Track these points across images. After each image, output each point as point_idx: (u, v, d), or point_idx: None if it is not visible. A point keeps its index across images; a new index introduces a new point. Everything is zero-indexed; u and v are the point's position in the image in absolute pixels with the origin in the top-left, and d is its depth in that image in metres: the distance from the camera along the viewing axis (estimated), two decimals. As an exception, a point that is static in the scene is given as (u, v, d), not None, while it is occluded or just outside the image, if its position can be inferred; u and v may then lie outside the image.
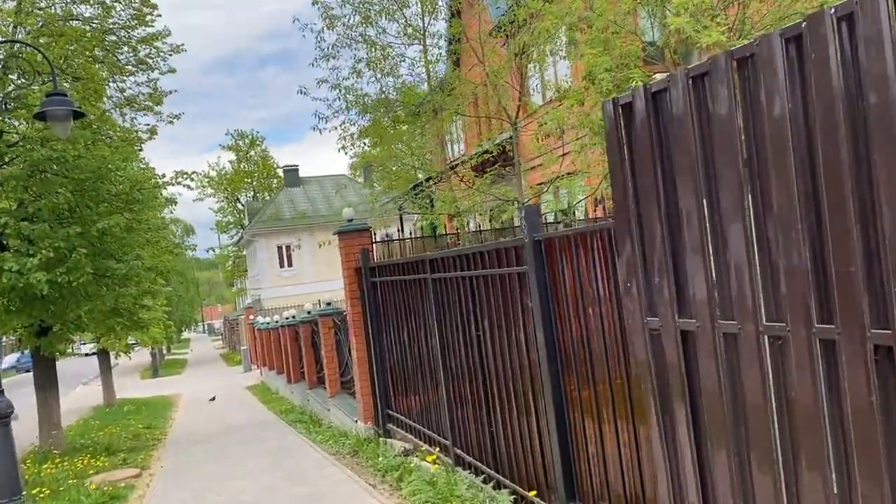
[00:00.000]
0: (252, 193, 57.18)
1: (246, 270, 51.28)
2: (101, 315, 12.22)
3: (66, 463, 10.73)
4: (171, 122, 13.93)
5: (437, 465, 7.23)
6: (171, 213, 14.06)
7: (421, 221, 21.73)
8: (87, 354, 52.73)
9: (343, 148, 12.22)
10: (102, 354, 23.31)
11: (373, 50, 10.30)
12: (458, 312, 6.44)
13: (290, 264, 41.18)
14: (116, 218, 10.87)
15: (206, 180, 55.94)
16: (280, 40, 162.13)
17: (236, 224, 56.82)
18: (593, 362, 4.32)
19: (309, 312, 15.87)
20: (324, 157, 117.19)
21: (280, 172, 53.46)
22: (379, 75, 10.42)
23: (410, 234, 12.25)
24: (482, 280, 5.80)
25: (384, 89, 10.52)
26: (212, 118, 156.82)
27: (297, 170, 45.88)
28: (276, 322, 22.07)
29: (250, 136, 56.81)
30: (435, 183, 11.84)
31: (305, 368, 15.33)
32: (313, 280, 39.38)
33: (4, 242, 10.63)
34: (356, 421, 10.26)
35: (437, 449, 7.29)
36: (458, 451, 6.80)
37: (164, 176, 12.88)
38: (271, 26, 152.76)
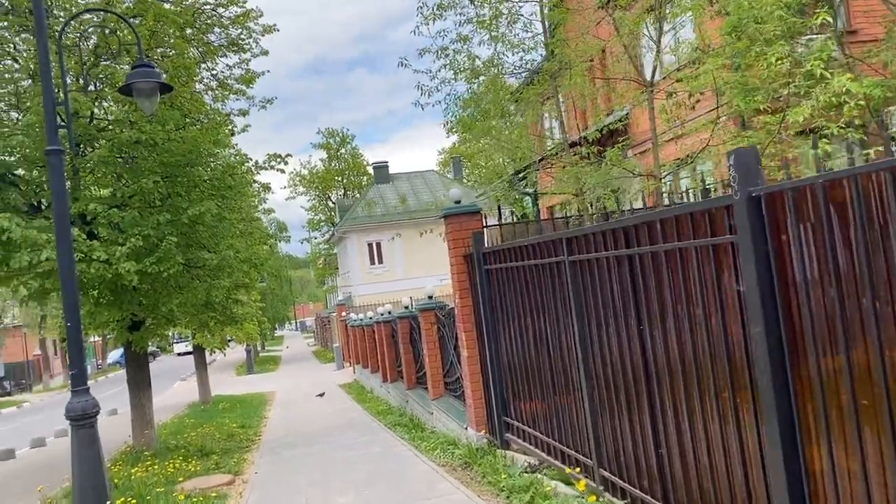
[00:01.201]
0: (342, 191, 57.37)
1: (337, 268, 51.35)
2: (194, 309, 11.60)
3: (156, 466, 10.08)
4: (263, 108, 13.22)
5: (575, 488, 5.98)
6: (265, 202, 13.31)
7: (517, 207, 20.45)
8: (179, 354, 54.25)
9: (449, 124, 11.06)
10: (198, 351, 23.23)
11: (484, 5, 9.10)
12: (608, 301, 5.16)
13: (380, 261, 40.71)
14: (208, 204, 10.15)
15: (298, 178, 56.52)
16: (365, 43, 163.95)
17: (327, 222, 57.14)
18: (854, 374, 2.97)
19: (406, 308, 14.87)
20: (410, 157, 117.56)
21: (370, 170, 53.35)
22: (490, 35, 9.18)
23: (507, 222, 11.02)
24: (651, 259, 4.50)
25: (498, 51, 9.31)
26: (300, 122, 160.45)
27: (386, 166, 45.44)
28: (371, 318, 21.32)
29: (341, 134, 57.02)
30: (550, 162, 10.55)
31: (403, 367, 14.34)
32: (404, 277, 38.85)
33: (94, 231, 10.08)
34: (466, 427, 9.12)
35: (576, 469, 6.02)
36: (606, 474, 5.51)
37: (256, 163, 12.14)
38: (356, 30, 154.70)
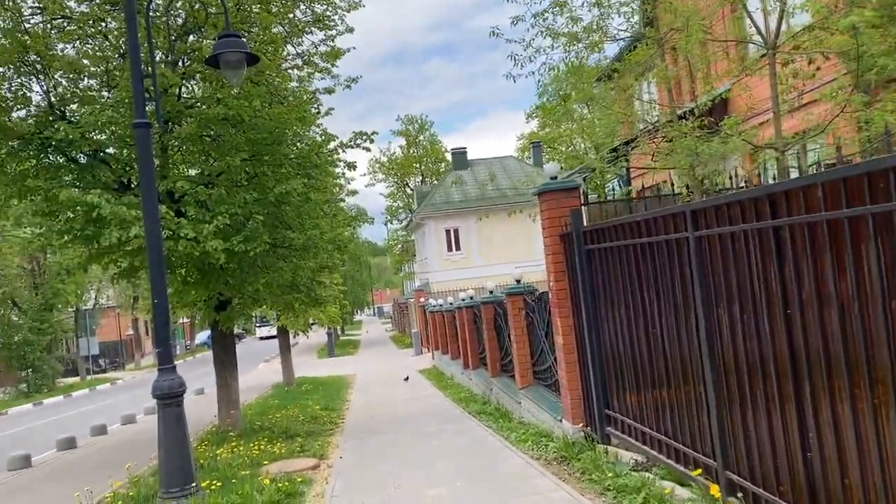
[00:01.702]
0: (420, 178, 57.36)
1: (414, 255, 51.41)
2: (279, 289, 11.46)
3: (241, 447, 9.96)
4: (348, 87, 12.89)
5: (693, 490, 5.36)
6: (350, 182, 13.03)
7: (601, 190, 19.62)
8: (261, 338, 55.50)
9: (543, 94, 10.37)
10: (282, 333, 23.45)
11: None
12: (744, 282, 4.51)
13: (458, 248, 40.37)
14: (294, 183, 9.91)
15: (378, 165, 56.85)
16: (443, 32, 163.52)
17: (405, 209, 57.27)
18: None
19: (491, 292, 14.39)
20: (487, 147, 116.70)
21: (448, 156, 53.08)
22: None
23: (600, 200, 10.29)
24: (806, 231, 3.83)
25: (600, 13, 8.59)
26: (379, 113, 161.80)
27: (465, 152, 45.01)
28: (451, 304, 20.97)
29: (420, 121, 56.93)
30: (649, 138, 9.79)
31: (487, 354, 13.87)
32: (481, 264, 38.43)
33: (182, 210, 10.01)
34: (560, 420, 8.56)
35: (695, 470, 5.39)
36: (734, 477, 4.87)
37: (341, 142, 11.83)
38: (434, 18, 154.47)
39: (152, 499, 7.50)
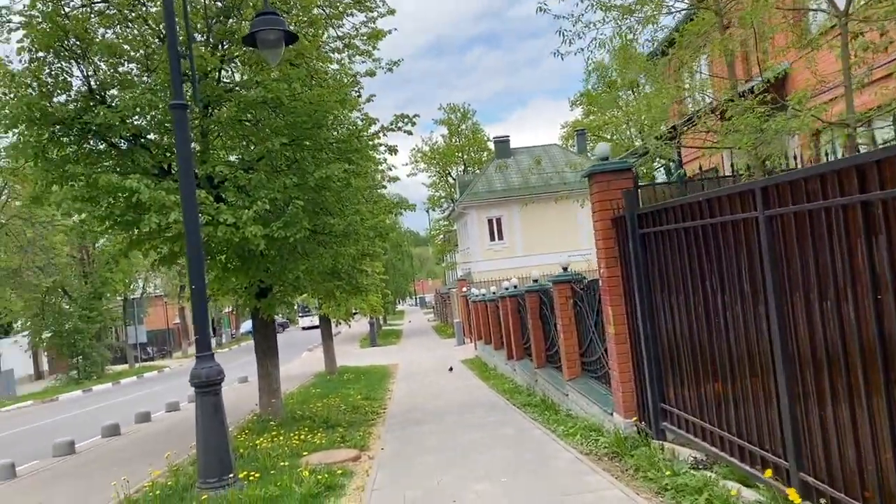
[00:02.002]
0: (462, 167, 56.94)
1: (456, 245, 51.09)
2: (320, 276, 11.26)
3: (281, 437, 9.80)
4: (389, 70, 12.57)
5: (760, 492, 4.94)
6: (391, 169, 12.73)
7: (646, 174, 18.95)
8: (304, 328, 55.91)
9: (590, 77, 9.88)
10: (324, 322, 23.42)
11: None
12: (826, 264, 4.06)
13: (500, 237, 39.87)
14: (335, 167, 9.66)
15: (420, 155, 56.60)
16: (485, 21, 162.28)
17: (447, 198, 56.95)
18: None
19: (535, 281, 13.98)
20: (528, 137, 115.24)
21: (490, 145, 52.54)
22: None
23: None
24: (904, 204, 3.38)
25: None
26: (420, 103, 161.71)
27: (507, 141, 44.41)
28: (494, 293, 20.62)
29: (462, 110, 56.45)
30: (704, 119, 9.23)
31: (532, 345, 13.48)
32: (524, 254, 37.94)
33: (222, 195, 9.86)
34: (610, 413, 8.15)
35: (765, 470, 4.95)
36: (810, 479, 4.44)
37: (382, 126, 11.54)
38: (476, 8, 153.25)
39: (191, 488, 7.35)
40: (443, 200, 58.56)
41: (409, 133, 11.08)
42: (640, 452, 6.74)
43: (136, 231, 9.95)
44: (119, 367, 38.57)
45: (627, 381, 7.62)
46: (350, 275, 12.42)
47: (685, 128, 11.09)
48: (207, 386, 7.31)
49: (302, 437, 9.89)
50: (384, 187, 14.06)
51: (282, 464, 7.92)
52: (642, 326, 7.08)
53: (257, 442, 9.47)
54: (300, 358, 33.77)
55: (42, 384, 35.79)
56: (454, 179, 54.70)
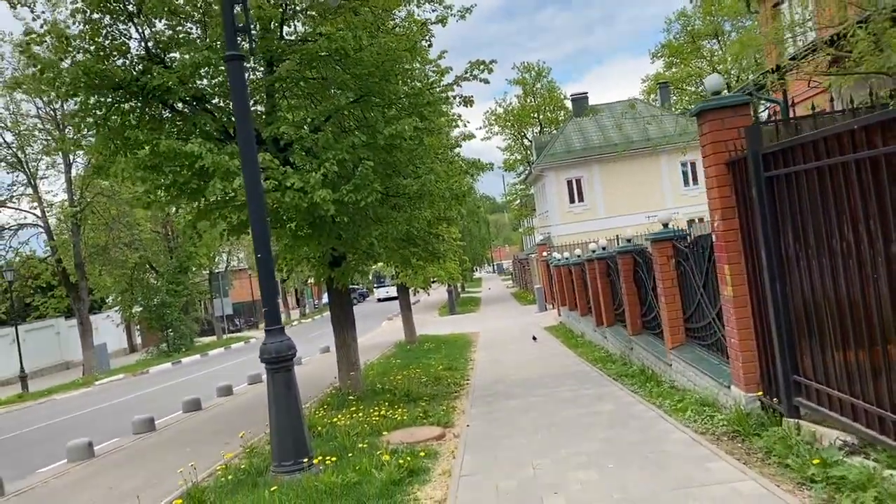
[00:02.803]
0: (538, 128, 55.27)
1: (534, 209, 49.78)
2: (394, 243, 10.56)
3: (360, 412, 9.23)
4: (462, 17, 11.60)
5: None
6: (466, 125, 11.84)
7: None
8: (379, 300, 55.91)
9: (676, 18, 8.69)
10: (402, 291, 22.95)
11: None
12: None
13: (580, 199, 38.36)
14: (406, 122, 8.85)
15: (494, 117, 55.25)
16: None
17: (523, 161, 55.53)
18: None
19: (629, 241, 12.91)
20: (607, 94, 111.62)
21: (567, 104, 50.70)
22: None
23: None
24: None
25: None
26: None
27: (586, 97, 42.53)
28: (578, 257, 19.57)
29: (536, 68, 54.62)
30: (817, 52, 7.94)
31: (626, 310, 12.45)
32: (606, 215, 36.46)
33: (289, 159, 9.23)
34: (727, 386, 7.13)
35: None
36: None
37: (456, 76, 10.61)
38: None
39: (265, 472, 6.84)
40: (518, 164, 57.14)
41: (486, 82, 10.13)
42: (771, 433, 5.76)
43: (202, 200, 9.47)
44: (207, 339, 39.52)
45: (748, 349, 6.59)
46: (426, 240, 11.68)
47: (796, 63, 9.75)
48: (278, 362, 6.74)
49: (382, 412, 9.29)
50: (459, 146, 13.20)
51: (361, 445, 7.30)
52: (769, 286, 6.01)
53: (336, 419, 8.92)
54: (380, 327, 33.65)
55: (134, 357, 37.05)
56: (530, 141, 53.14)
